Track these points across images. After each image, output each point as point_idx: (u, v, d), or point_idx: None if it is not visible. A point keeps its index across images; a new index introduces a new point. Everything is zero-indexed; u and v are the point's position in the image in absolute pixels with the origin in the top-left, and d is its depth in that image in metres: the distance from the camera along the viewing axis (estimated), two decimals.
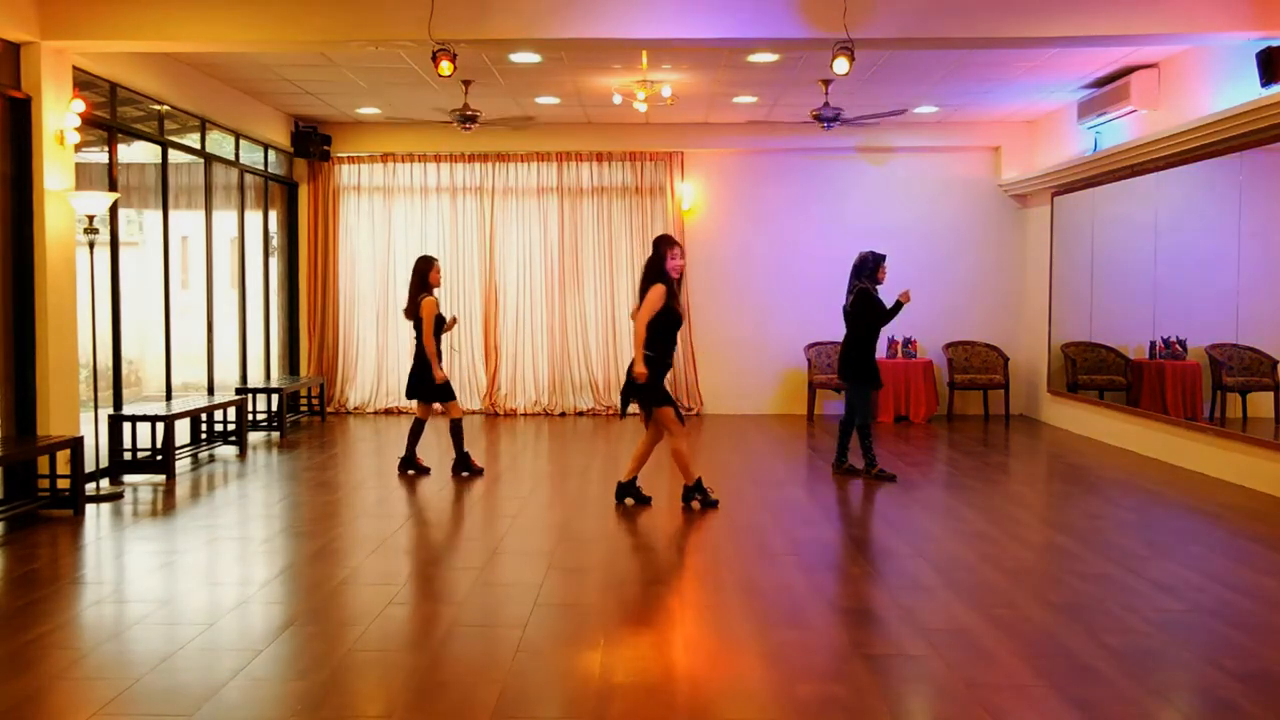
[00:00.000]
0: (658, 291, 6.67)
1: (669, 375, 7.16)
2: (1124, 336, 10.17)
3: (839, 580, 5.47)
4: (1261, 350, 8.03)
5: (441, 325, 8.01)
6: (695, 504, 6.99)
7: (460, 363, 12.40)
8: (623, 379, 7.78)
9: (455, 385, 12.25)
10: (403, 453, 8.32)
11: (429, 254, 8.55)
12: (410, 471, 8.24)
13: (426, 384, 8.03)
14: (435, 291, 8.09)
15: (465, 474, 8.18)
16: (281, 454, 9.44)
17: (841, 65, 6.97)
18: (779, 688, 3.88)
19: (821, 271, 11.43)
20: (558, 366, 12.37)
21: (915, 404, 11.82)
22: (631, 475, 7.08)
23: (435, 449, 9.17)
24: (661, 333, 6.73)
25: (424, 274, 8.01)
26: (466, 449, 8.24)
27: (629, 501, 7.10)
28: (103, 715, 3.60)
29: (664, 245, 6.76)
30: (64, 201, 7.09)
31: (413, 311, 8.03)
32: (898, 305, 7.85)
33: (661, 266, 6.71)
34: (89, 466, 7.43)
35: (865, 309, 7.90)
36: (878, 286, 7.98)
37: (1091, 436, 10.45)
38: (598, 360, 12.33)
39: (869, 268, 7.96)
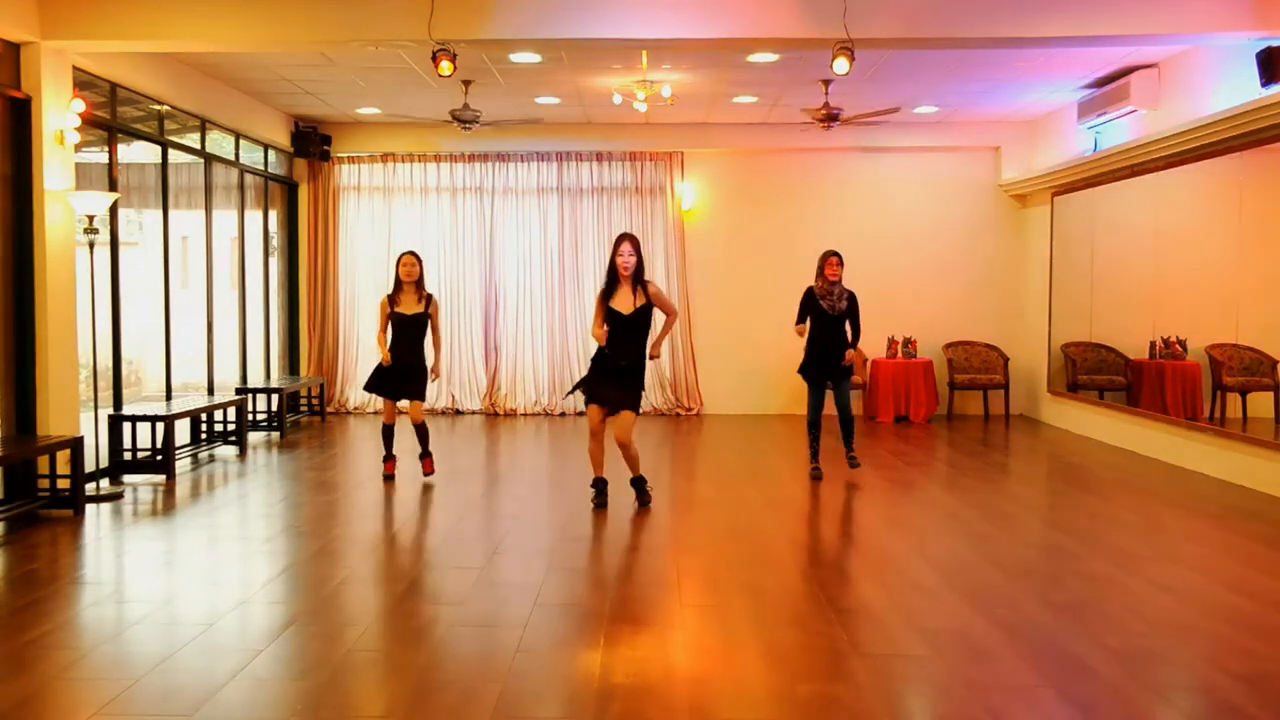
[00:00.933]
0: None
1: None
2: (1124, 336, 10.16)
3: (839, 580, 5.47)
4: (1261, 350, 8.02)
5: (389, 324, 7.94)
6: None
7: (460, 362, 12.40)
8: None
9: (456, 385, 12.32)
10: (419, 449, 8.21)
11: (407, 249, 8.47)
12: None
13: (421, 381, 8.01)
14: (412, 286, 7.91)
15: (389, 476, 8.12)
16: (281, 454, 9.44)
17: (841, 65, 6.97)
18: (779, 688, 3.88)
19: None
20: (558, 366, 12.37)
21: (915, 404, 11.82)
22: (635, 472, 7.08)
23: (435, 448, 9.14)
24: (609, 327, 6.87)
25: (395, 270, 8.06)
26: (395, 452, 8.17)
27: (632, 502, 7.10)
28: (102, 715, 3.60)
29: (615, 243, 6.92)
30: (64, 201, 7.09)
31: None
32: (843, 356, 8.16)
33: (610, 263, 6.90)
34: (89, 466, 7.42)
35: (803, 304, 8.21)
36: (830, 282, 8.07)
37: (1091, 436, 10.45)
38: None
39: (817, 265, 8.18)
